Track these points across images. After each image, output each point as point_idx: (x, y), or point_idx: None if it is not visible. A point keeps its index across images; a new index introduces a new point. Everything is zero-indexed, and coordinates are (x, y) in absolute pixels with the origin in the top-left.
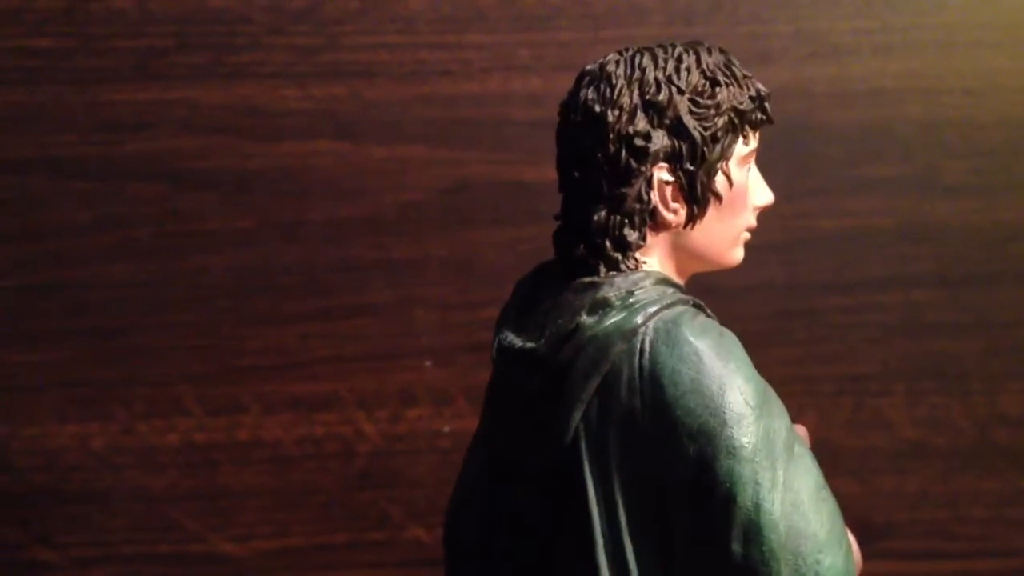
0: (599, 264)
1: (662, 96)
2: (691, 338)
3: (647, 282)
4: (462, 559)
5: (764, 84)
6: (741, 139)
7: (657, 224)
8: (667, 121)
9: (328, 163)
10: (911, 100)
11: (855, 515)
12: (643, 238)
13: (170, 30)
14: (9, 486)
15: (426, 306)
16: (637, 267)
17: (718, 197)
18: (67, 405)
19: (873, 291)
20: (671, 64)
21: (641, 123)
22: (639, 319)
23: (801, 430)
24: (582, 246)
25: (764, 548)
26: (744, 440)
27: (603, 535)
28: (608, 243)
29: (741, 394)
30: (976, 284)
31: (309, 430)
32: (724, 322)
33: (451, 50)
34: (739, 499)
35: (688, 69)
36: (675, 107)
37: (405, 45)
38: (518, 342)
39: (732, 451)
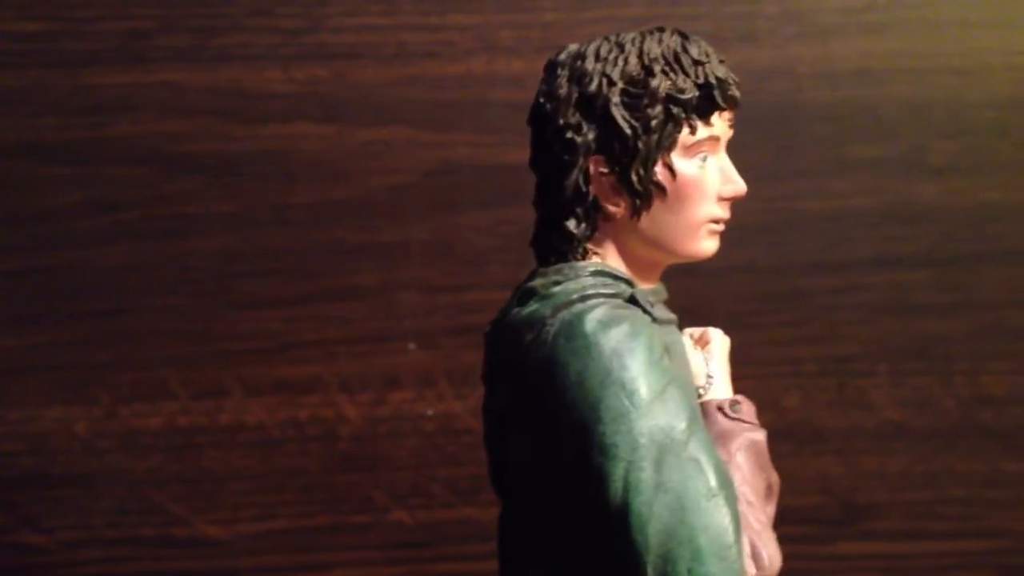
0: (549, 255)
1: (593, 87)
2: (588, 331)
3: (582, 273)
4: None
5: (750, 64)
6: (686, 128)
7: (606, 216)
8: (598, 112)
9: (312, 146)
10: (898, 80)
11: (838, 495)
12: (591, 229)
13: (152, 12)
14: None
15: (410, 289)
16: (586, 258)
17: (661, 189)
18: (51, 389)
19: (858, 272)
20: (613, 53)
21: (573, 115)
22: (549, 310)
23: (748, 437)
24: (536, 237)
25: (631, 549)
26: (617, 439)
27: (527, 514)
28: (553, 235)
29: (623, 391)
30: (961, 265)
31: (292, 413)
32: (708, 304)
33: (434, 32)
34: (608, 497)
35: (626, 59)
36: (605, 98)
37: (388, 27)
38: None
39: (604, 449)
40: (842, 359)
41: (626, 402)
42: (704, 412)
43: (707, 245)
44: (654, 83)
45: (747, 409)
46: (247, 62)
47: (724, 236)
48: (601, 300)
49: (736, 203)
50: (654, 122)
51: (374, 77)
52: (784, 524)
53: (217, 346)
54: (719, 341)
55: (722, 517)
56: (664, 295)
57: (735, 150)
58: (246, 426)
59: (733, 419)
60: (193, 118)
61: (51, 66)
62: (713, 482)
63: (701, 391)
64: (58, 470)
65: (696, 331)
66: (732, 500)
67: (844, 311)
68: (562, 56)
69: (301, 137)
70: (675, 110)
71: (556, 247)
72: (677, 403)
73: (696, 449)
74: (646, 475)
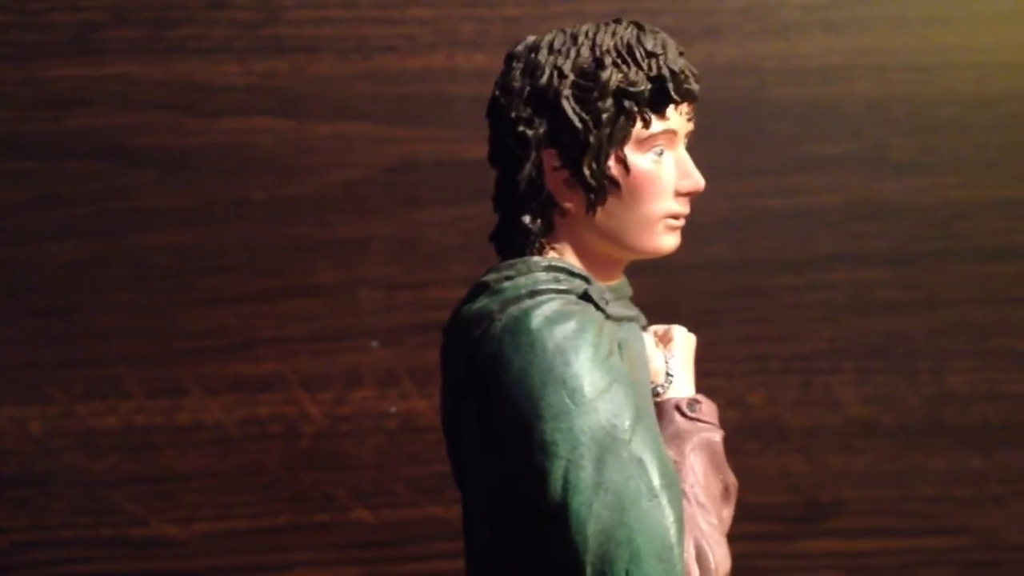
0: (507, 250)
1: (544, 80)
2: (533, 327)
3: (535, 268)
4: None
5: (713, 60)
6: (639, 122)
7: (562, 211)
8: (549, 105)
9: (270, 140)
10: (860, 77)
11: (802, 493)
12: (548, 225)
13: (106, 4)
14: None
15: (371, 286)
16: (542, 253)
17: (614, 183)
18: (4, 388)
19: (822, 269)
20: (566, 45)
21: (525, 109)
22: (498, 305)
23: (703, 438)
24: (496, 232)
25: (570, 548)
26: (557, 436)
27: (473, 511)
28: (510, 230)
29: (564, 389)
30: (925, 262)
31: (252, 411)
32: (672, 300)
33: (395, 25)
34: (548, 496)
35: (578, 51)
36: (555, 91)
37: (348, 20)
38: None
39: (544, 447)
40: (806, 356)
41: (567, 400)
42: (662, 411)
43: (665, 241)
44: (605, 75)
45: (707, 409)
46: (203, 55)
47: (688, 233)
48: (551, 296)
49: (695, 199)
50: (605, 115)
51: (333, 71)
52: (748, 522)
53: (174, 344)
54: (682, 339)
55: (663, 518)
56: (627, 292)
57: (698, 146)
58: (204, 424)
59: (690, 419)
60: (148, 112)
61: (2, 58)
62: (656, 482)
63: (660, 390)
64: (12, 470)
65: (660, 328)
66: (676, 501)
67: (808, 308)
68: (518, 48)
69: (259, 131)
70: (627, 103)
71: (513, 242)
72: (621, 401)
73: (640, 448)
74: (586, 474)
